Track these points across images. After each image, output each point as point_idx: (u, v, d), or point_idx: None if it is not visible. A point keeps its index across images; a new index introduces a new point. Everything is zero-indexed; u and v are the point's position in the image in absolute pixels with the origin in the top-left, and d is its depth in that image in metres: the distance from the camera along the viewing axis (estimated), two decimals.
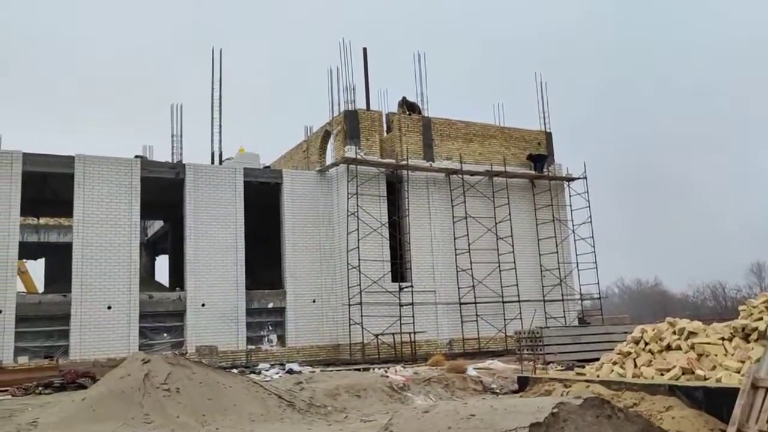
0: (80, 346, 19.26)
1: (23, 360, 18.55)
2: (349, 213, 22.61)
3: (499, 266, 24.59)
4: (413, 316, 22.65)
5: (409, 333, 22.30)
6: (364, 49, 25.09)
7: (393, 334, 22.12)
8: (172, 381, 11.15)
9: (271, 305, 22.60)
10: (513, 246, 24.88)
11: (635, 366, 11.05)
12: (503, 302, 24.39)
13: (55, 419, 10.50)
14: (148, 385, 10.92)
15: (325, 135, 25.81)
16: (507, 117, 27.68)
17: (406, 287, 23.11)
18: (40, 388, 14.87)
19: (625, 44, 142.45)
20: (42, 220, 30.19)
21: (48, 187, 21.36)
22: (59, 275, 23.69)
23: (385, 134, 25.30)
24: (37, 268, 34.50)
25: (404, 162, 23.76)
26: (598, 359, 12.74)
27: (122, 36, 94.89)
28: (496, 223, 24.94)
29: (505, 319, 24.19)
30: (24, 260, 30.95)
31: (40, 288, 30.95)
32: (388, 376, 14.72)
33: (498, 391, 14.28)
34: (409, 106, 25.48)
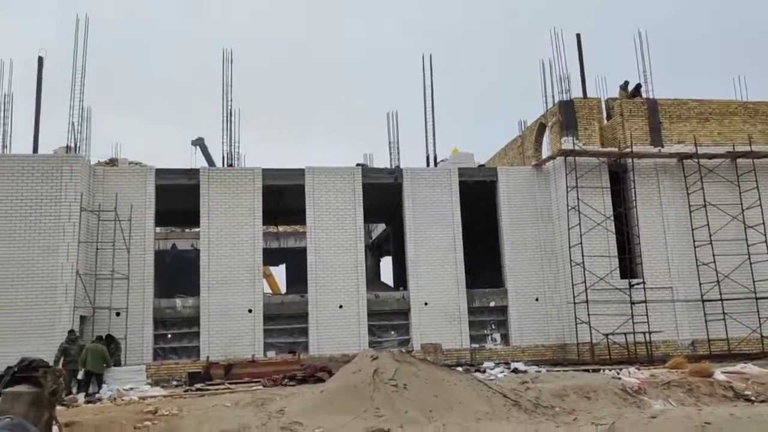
0: (317, 342, 20.83)
1: (271, 354, 20.58)
2: (570, 207, 21.60)
3: (749, 258, 21.72)
4: (647, 315, 20.93)
5: (644, 333, 20.63)
6: (578, 35, 23.86)
7: (624, 333, 20.64)
8: (400, 377, 11.47)
9: (492, 304, 22.41)
10: (766, 235, 21.84)
11: None
12: (756, 299, 21.49)
13: (298, 409, 11.38)
14: (378, 381, 11.36)
15: (540, 128, 25.01)
16: (751, 91, 24.46)
17: (638, 284, 21.44)
18: (285, 380, 16.32)
19: None
20: (281, 228, 33.33)
21: (283, 198, 23.47)
22: (298, 278, 25.90)
23: (605, 122, 23.82)
24: (279, 271, 38.23)
25: (628, 149, 22.10)
26: None
27: (339, 49, 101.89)
28: (742, 210, 22.10)
29: (759, 318, 21.32)
30: (268, 266, 34.44)
31: (284, 290, 34.18)
32: (620, 378, 13.71)
33: (753, 398, 12.55)
34: (633, 93, 23.70)
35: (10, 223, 18.94)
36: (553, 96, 23.25)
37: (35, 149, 20.52)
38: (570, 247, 21.50)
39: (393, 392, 11.03)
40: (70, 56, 20.61)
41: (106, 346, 16.85)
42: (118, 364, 17.51)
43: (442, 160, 24.62)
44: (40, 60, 21.07)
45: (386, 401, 10.80)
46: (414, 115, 24.88)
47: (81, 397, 15.05)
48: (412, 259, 22.09)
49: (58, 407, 9.72)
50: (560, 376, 14.47)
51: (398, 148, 24.63)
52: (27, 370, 9.16)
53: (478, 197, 23.25)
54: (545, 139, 24.83)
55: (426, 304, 21.72)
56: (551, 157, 23.03)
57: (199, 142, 33.43)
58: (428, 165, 23.89)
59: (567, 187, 21.76)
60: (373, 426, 9.78)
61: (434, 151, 24.01)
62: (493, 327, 22.61)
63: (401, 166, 23.40)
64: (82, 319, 19.31)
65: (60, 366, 14.91)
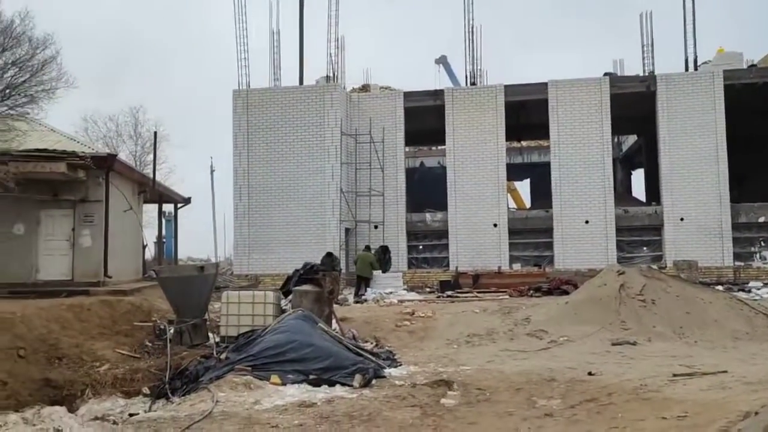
0: (562, 256, 20.91)
1: (516, 267, 21.24)
2: None
3: None
4: None
5: None
6: None
7: None
8: (647, 293, 11.28)
9: (762, 219, 20.28)
10: None
11: None
12: None
13: (543, 318, 11.86)
14: (624, 295, 11.31)
15: None
16: None
17: None
18: (531, 291, 16.86)
19: None
20: (524, 143, 33.12)
21: (526, 113, 23.27)
22: (542, 193, 25.80)
23: None
24: (523, 186, 38.25)
25: None
26: None
27: None
28: None
29: None
30: (512, 181, 34.68)
31: (528, 204, 34.32)
32: None
33: None
34: None
35: (284, 148, 21.69)
36: None
37: (300, 80, 22.96)
38: None
39: (640, 307, 10.92)
40: None
41: (383, 255, 19.73)
42: (387, 271, 19.69)
43: (704, 63, 22.18)
44: None
45: (632, 315, 10.75)
46: (671, 13, 22.49)
47: (351, 297, 17.33)
48: (666, 172, 20.72)
49: (335, 305, 11.46)
50: None
51: (652, 53, 22.67)
52: (310, 273, 10.96)
53: (751, 101, 20.70)
54: None
55: (682, 219, 20.41)
56: None
57: (442, 60, 34.30)
58: (687, 69, 21.74)
59: None
60: (618, 338, 9.88)
61: (694, 53, 21.75)
62: (763, 244, 20.53)
63: (655, 73, 21.66)
64: (347, 231, 21.76)
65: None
